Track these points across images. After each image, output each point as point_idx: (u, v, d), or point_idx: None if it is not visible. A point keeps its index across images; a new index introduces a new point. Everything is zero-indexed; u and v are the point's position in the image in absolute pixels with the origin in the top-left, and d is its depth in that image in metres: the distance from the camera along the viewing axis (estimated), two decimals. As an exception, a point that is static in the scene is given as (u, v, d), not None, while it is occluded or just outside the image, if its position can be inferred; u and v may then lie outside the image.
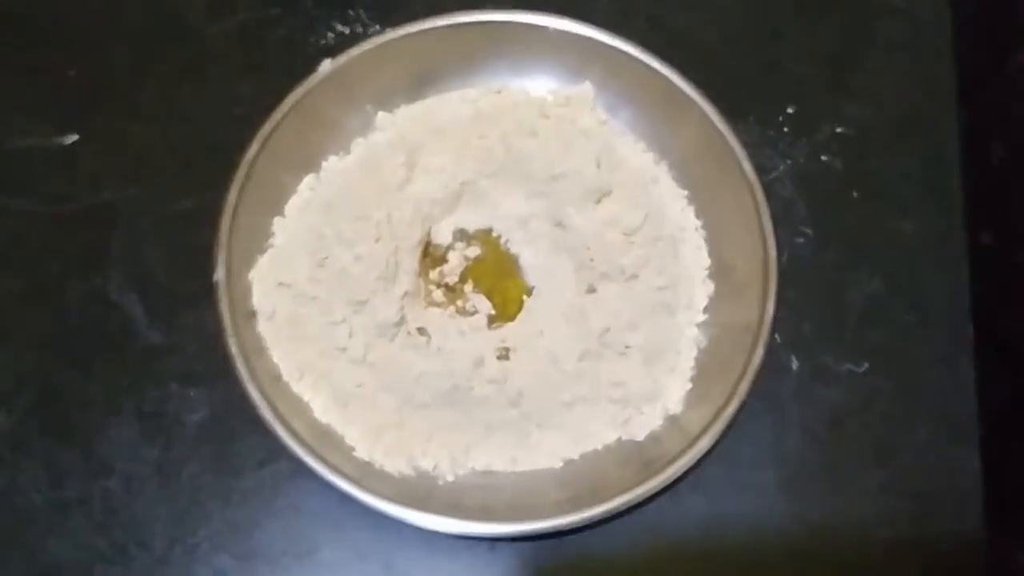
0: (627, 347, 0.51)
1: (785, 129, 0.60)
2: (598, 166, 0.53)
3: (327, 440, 0.50)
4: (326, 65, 0.55)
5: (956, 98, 0.61)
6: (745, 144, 0.55)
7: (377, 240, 0.51)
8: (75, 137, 0.58)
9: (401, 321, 0.51)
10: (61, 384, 0.53)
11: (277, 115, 0.54)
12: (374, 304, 0.50)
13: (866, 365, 0.55)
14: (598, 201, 0.53)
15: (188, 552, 0.50)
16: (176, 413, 0.52)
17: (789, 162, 0.59)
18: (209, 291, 0.51)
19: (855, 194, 0.58)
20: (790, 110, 0.60)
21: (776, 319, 0.52)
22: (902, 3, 0.64)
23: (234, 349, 0.49)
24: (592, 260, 0.52)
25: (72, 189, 0.57)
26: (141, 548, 0.50)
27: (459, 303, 0.55)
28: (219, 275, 0.51)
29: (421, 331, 0.53)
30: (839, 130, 0.60)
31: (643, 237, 0.52)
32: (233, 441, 0.52)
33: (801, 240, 0.57)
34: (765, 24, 0.63)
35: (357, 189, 0.53)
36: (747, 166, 0.54)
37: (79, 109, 0.59)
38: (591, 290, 0.53)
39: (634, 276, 0.52)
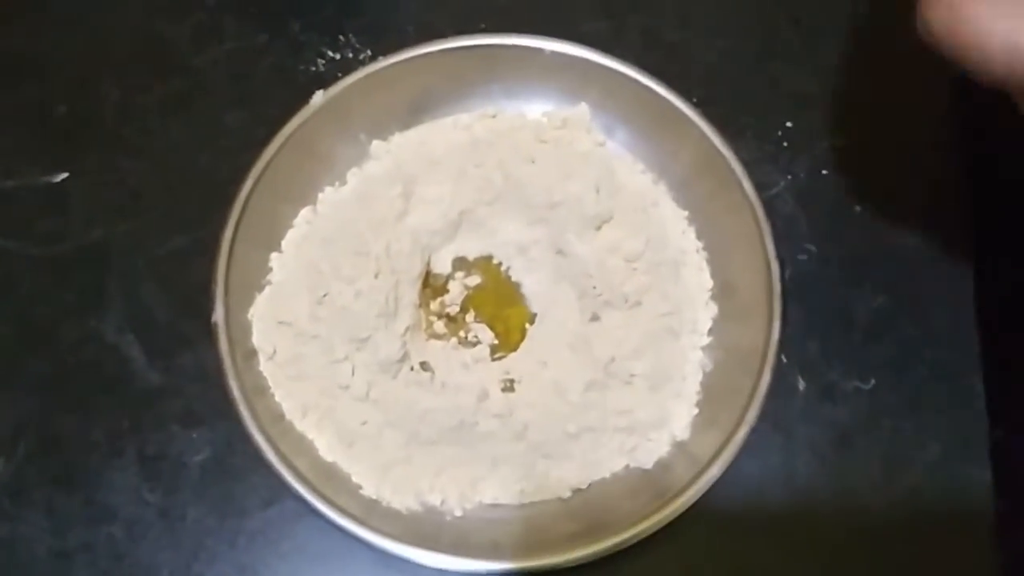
0: (632, 375, 0.51)
1: (785, 144, 0.59)
2: (598, 192, 0.52)
3: (333, 479, 0.50)
4: (318, 97, 0.54)
5: (956, 110, 0.60)
6: (744, 161, 0.55)
7: (376, 275, 0.50)
8: (65, 175, 0.57)
9: (404, 357, 0.51)
10: (60, 429, 0.52)
11: (271, 149, 0.53)
12: (376, 341, 0.50)
13: (873, 382, 0.54)
14: (599, 228, 0.52)
15: (196, 597, 0.50)
16: (178, 455, 0.52)
17: (790, 177, 0.58)
18: (208, 330, 0.51)
19: (857, 208, 0.58)
20: (789, 124, 0.60)
21: (781, 339, 0.52)
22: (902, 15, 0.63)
23: (235, 390, 0.49)
24: (595, 288, 0.52)
25: (63, 228, 0.56)
26: (148, 595, 0.50)
27: (461, 333, 0.54)
28: (218, 316, 0.50)
29: (424, 365, 0.52)
30: (840, 144, 0.59)
31: (645, 263, 0.52)
32: (237, 482, 0.51)
33: (804, 257, 0.56)
34: (763, 38, 0.62)
35: (354, 222, 0.52)
36: (747, 184, 0.53)
37: (68, 146, 0.58)
38: (595, 318, 0.52)
39: (637, 303, 0.51)
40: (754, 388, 0.50)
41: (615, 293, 0.51)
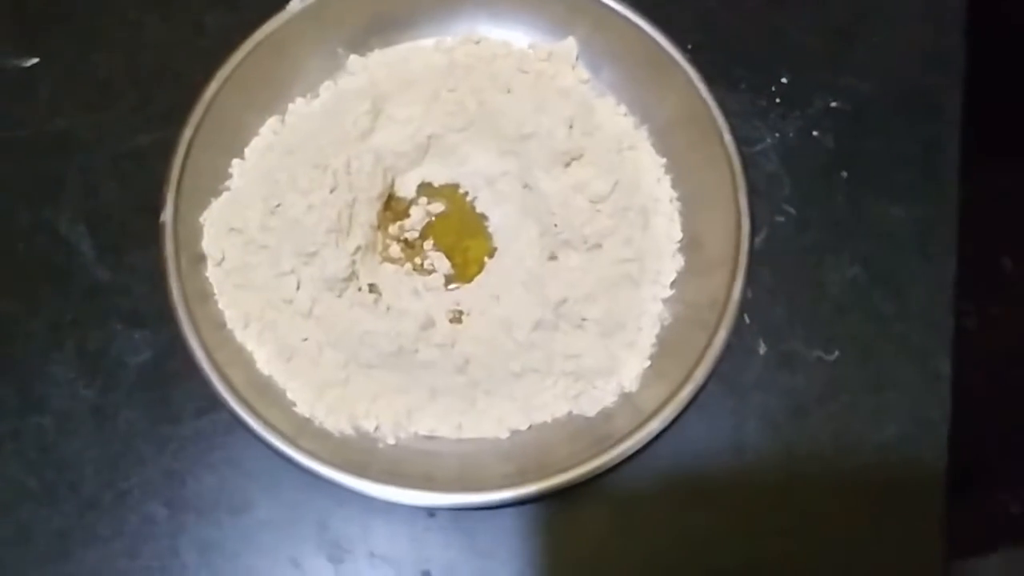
0: (584, 319, 0.49)
1: (777, 100, 0.57)
2: (570, 128, 0.50)
3: (267, 393, 0.49)
4: (296, 3, 0.53)
5: (963, 79, 0.58)
6: (733, 113, 0.53)
7: (332, 190, 0.49)
8: (35, 60, 0.56)
9: (351, 276, 0.49)
10: (2, 315, 0.51)
11: (242, 51, 0.52)
12: (323, 257, 0.48)
13: (837, 353, 0.52)
14: (567, 165, 0.51)
15: (118, 497, 0.49)
16: (118, 354, 0.51)
17: (777, 135, 0.56)
18: (160, 229, 0.50)
19: (844, 174, 0.55)
20: (784, 80, 0.57)
21: (747, 300, 0.51)
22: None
23: (176, 293, 0.48)
24: (556, 226, 0.50)
25: (28, 114, 0.55)
26: (71, 490, 0.49)
27: (417, 260, 0.52)
28: (166, 216, 0.49)
29: (373, 288, 0.51)
30: (834, 105, 0.57)
31: (611, 206, 0.50)
32: (174, 387, 0.50)
33: (782, 219, 0.54)
34: (769, -14, 0.60)
35: (318, 136, 0.51)
36: (728, 138, 0.51)
37: (41, 31, 0.57)
38: (552, 257, 0.51)
39: (597, 246, 0.50)
40: (707, 346, 0.48)
41: (575, 233, 0.49)
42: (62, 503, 0.49)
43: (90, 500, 0.49)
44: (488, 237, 0.53)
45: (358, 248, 0.50)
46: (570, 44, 0.55)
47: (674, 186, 0.53)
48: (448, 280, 0.52)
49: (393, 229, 0.53)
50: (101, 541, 0.48)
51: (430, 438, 0.49)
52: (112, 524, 0.48)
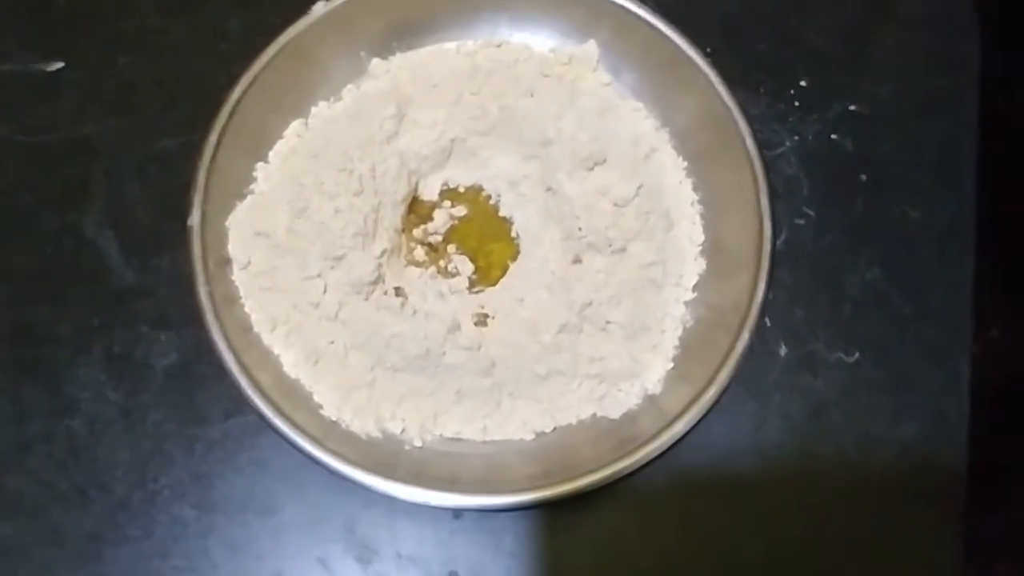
0: (608, 322, 0.50)
1: (796, 103, 0.57)
2: (594, 133, 0.51)
3: (294, 396, 0.49)
4: (320, 7, 0.53)
5: (979, 82, 0.58)
6: (753, 117, 0.54)
7: (358, 194, 0.49)
8: (60, 64, 0.56)
9: (378, 280, 0.50)
10: (31, 319, 0.52)
11: (266, 55, 0.52)
12: (350, 260, 0.49)
13: (857, 355, 0.53)
14: (591, 169, 0.51)
15: (148, 499, 0.49)
16: (145, 357, 0.51)
17: (797, 138, 0.56)
18: (186, 233, 0.50)
19: (863, 177, 0.56)
20: (803, 83, 0.58)
21: (768, 302, 0.51)
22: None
23: (203, 297, 0.49)
24: (580, 229, 0.50)
25: (54, 119, 0.55)
26: (101, 491, 0.49)
27: (441, 263, 0.53)
28: (193, 220, 0.50)
29: (398, 291, 0.51)
30: (852, 108, 0.57)
31: (634, 209, 0.50)
32: (201, 390, 0.51)
33: (802, 221, 0.55)
34: (787, -8, 0.60)
35: (343, 139, 0.51)
36: (750, 141, 0.52)
37: (66, 35, 0.57)
38: (577, 260, 0.51)
39: (621, 250, 0.50)
40: (730, 348, 0.49)
41: (599, 236, 0.50)
42: (92, 504, 0.49)
43: (121, 501, 0.49)
44: (511, 240, 0.54)
45: (384, 251, 0.50)
46: (591, 48, 0.55)
47: (696, 189, 0.54)
48: (472, 283, 0.52)
49: (417, 232, 0.53)
50: (132, 542, 0.49)
51: (456, 440, 0.50)
52: (143, 525, 0.49)
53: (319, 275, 0.49)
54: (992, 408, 0.52)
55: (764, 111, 0.57)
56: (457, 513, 0.50)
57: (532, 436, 0.50)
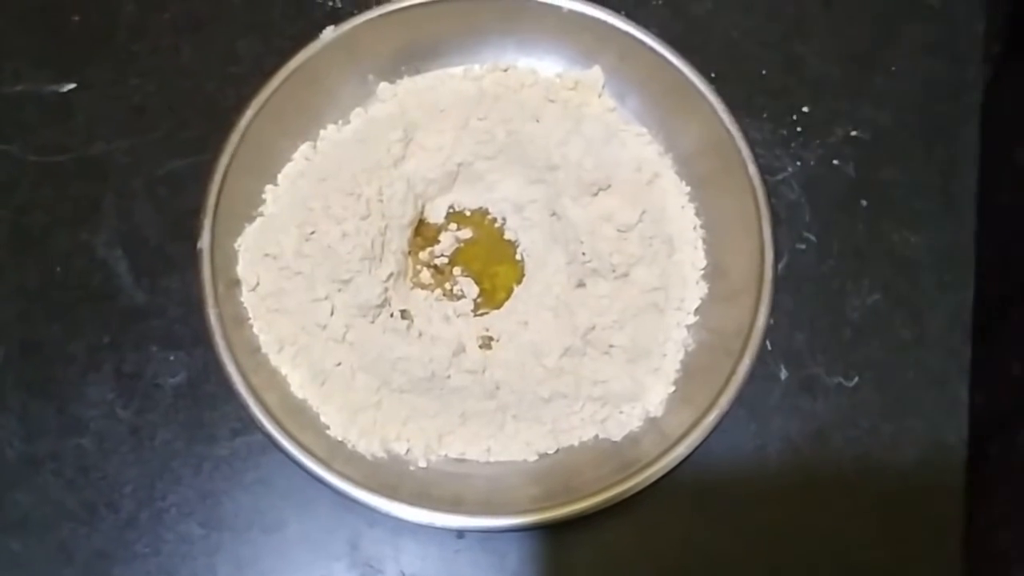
0: (611, 346, 0.50)
1: (798, 129, 0.58)
2: (599, 159, 0.51)
3: (301, 416, 0.50)
4: (329, 32, 0.54)
5: (980, 109, 0.59)
6: (755, 142, 0.55)
7: (365, 218, 0.50)
8: (72, 85, 0.57)
9: (384, 303, 0.51)
10: (41, 337, 0.53)
11: (276, 80, 0.53)
12: (357, 283, 0.49)
13: (857, 379, 0.53)
14: (595, 194, 0.52)
15: (155, 517, 0.50)
16: (154, 376, 0.52)
17: (799, 164, 0.57)
18: (196, 254, 0.51)
19: (864, 203, 0.56)
20: (805, 109, 0.58)
21: (769, 326, 0.51)
22: (936, 2, 0.61)
23: (213, 319, 0.49)
24: (584, 254, 0.51)
25: (66, 139, 0.56)
26: (109, 509, 0.50)
27: (447, 286, 0.54)
28: (204, 242, 0.50)
29: (405, 313, 0.52)
30: (854, 134, 0.58)
31: (638, 235, 0.51)
32: (209, 409, 0.51)
33: (803, 246, 0.55)
34: (789, 17, 0.61)
35: (350, 163, 0.52)
36: (752, 167, 0.52)
37: (79, 57, 0.58)
38: (580, 285, 0.52)
39: (624, 275, 0.51)
40: (731, 372, 0.49)
41: (603, 262, 0.51)
42: (100, 522, 0.50)
43: (128, 519, 0.50)
44: (516, 263, 0.54)
45: (390, 275, 0.51)
46: (596, 73, 0.56)
47: (698, 214, 0.55)
48: (477, 306, 0.53)
49: (423, 255, 0.54)
50: (140, 559, 0.49)
51: (460, 461, 0.51)
52: (151, 543, 0.50)
53: (326, 297, 0.50)
54: (990, 435, 0.52)
55: (767, 136, 0.57)
56: (461, 533, 0.50)
57: (535, 457, 0.51)
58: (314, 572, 0.50)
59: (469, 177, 0.54)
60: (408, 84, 0.56)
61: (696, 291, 0.53)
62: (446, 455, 0.50)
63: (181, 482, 0.51)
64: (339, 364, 0.50)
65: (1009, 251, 0.55)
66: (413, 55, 0.56)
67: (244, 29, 0.59)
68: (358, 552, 0.50)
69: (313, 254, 0.50)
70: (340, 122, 0.56)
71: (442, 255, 0.54)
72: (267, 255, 0.51)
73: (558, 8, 0.55)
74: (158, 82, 0.57)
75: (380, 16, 0.54)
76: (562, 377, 0.50)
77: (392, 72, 0.56)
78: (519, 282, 0.54)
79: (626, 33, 0.55)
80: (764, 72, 0.59)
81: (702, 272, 0.54)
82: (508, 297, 0.53)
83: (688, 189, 0.55)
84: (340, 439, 0.50)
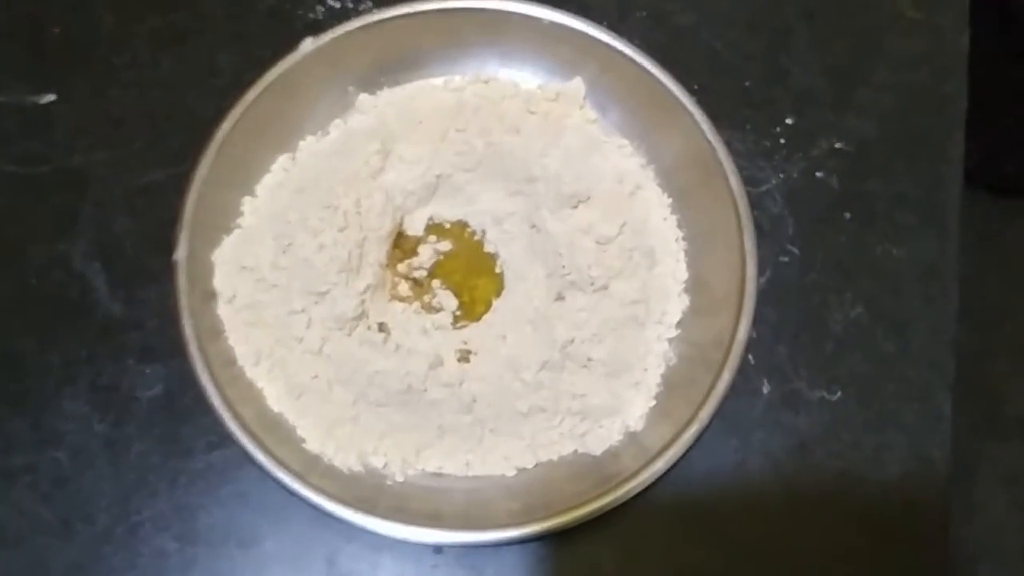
0: (590, 359, 0.50)
1: (782, 141, 0.58)
2: (579, 171, 0.51)
3: (277, 430, 0.49)
4: (308, 43, 0.54)
5: (964, 121, 0.58)
6: (738, 154, 0.55)
7: (342, 230, 0.50)
8: (52, 97, 0.57)
9: (361, 315, 0.50)
10: (17, 350, 0.52)
11: (254, 91, 0.53)
12: (334, 296, 0.49)
13: (839, 393, 0.53)
14: (575, 207, 0.51)
15: (131, 531, 0.49)
16: (131, 389, 0.52)
17: (782, 176, 0.57)
18: (173, 266, 0.50)
19: (847, 215, 0.56)
20: (789, 121, 0.58)
21: (751, 340, 0.51)
22: (920, 15, 0.61)
23: (188, 331, 0.49)
24: (563, 267, 0.51)
25: (44, 150, 0.56)
26: (84, 523, 0.49)
27: (426, 298, 0.53)
28: (180, 255, 0.50)
29: (382, 326, 0.52)
30: (838, 146, 0.58)
31: (617, 247, 0.51)
32: (185, 422, 0.51)
33: (786, 259, 0.55)
34: (773, 32, 0.60)
35: (329, 175, 0.52)
36: (734, 179, 0.52)
37: (59, 68, 0.57)
38: (559, 298, 0.52)
39: (604, 288, 0.50)
40: (712, 386, 0.49)
41: (582, 275, 0.50)
42: (75, 536, 0.49)
43: (104, 533, 0.49)
44: (496, 276, 0.54)
45: (368, 287, 0.50)
46: (578, 85, 0.56)
47: (680, 226, 0.54)
48: (455, 319, 0.53)
49: (402, 267, 0.54)
50: (115, 573, 0.49)
51: (438, 475, 0.50)
52: (126, 557, 0.49)
53: (303, 310, 0.50)
54: (973, 449, 0.52)
55: (750, 148, 0.57)
56: (439, 548, 0.50)
57: (514, 472, 0.50)
58: (290, 587, 0.49)
59: (448, 189, 0.54)
60: (388, 95, 0.56)
61: (677, 304, 0.53)
62: (423, 469, 0.50)
63: (157, 496, 0.50)
64: (315, 377, 0.50)
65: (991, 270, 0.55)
66: (393, 66, 0.56)
67: (224, 41, 0.58)
68: (335, 568, 0.49)
69: (290, 266, 0.50)
70: (319, 133, 0.55)
71: (421, 268, 0.54)
72: (244, 267, 0.51)
73: (539, 20, 0.55)
74: (137, 94, 0.57)
75: (360, 28, 0.54)
76: (540, 391, 0.49)
77: (372, 83, 0.56)
78: (499, 294, 0.53)
79: (608, 45, 0.55)
80: (747, 84, 0.59)
81: (683, 285, 0.53)
82: (487, 310, 0.53)
83: (670, 201, 0.55)
84: (316, 453, 0.49)
